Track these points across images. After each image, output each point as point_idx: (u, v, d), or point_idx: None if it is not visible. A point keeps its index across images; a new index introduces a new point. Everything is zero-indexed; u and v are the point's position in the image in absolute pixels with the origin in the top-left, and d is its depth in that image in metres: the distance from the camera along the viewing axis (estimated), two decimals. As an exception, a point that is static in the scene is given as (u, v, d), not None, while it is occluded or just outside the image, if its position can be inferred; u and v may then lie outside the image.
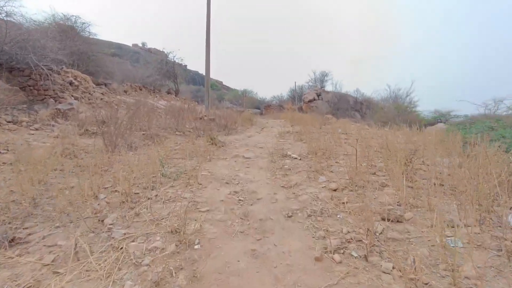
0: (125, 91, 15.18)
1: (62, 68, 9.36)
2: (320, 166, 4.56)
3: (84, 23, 12.51)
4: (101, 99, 10.26)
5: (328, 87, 38.72)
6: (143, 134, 7.82)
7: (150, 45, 47.47)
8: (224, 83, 71.53)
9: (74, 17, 12.72)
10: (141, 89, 16.41)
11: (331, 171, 4.37)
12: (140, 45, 48.56)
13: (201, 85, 60.13)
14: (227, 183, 3.96)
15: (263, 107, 40.64)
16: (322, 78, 39.58)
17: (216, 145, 6.35)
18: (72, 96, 9.17)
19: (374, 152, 5.27)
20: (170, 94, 18.22)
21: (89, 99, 9.67)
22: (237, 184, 3.93)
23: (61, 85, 8.94)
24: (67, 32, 11.76)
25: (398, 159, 3.78)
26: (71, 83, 9.36)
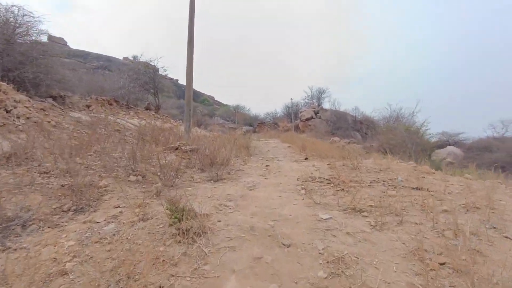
0: (88, 106, 11.58)
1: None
2: None
3: (25, 15, 9.01)
4: (28, 117, 6.67)
5: (326, 105, 35.85)
6: (60, 187, 4.27)
7: (143, 58, 43.81)
8: (216, 98, 68.47)
9: (16, 8, 9.25)
10: (111, 104, 12.86)
11: None
12: (131, 58, 45.16)
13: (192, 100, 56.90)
14: None
15: (256, 124, 37.53)
16: (319, 95, 36.76)
17: (183, 234, 2.78)
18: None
19: None
20: (149, 110, 14.73)
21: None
22: None
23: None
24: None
25: None
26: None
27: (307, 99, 37.52)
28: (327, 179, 5.09)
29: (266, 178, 5.53)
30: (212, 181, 5.44)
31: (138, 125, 10.73)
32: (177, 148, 7.11)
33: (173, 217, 2.98)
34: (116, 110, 12.91)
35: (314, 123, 31.57)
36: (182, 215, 3.03)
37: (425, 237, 2.66)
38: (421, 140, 22.18)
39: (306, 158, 8.15)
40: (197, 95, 62.65)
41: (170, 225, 2.87)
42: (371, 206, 3.59)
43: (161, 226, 3.01)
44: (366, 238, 2.68)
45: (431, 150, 22.07)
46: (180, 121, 16.53)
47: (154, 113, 14.39)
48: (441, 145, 25.89)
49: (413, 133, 21.32)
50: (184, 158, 6.87)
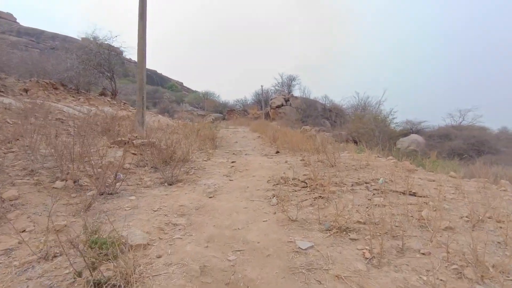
0: (26, 90, 9.86)
1: None
2: None
3: None
4: None
5: (296, 92, 35.30)
6: None
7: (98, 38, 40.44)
8: (184, 84, 65.70)
9: None
10: (56, 88, 11.12)
11: None
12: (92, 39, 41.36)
13: (159, 85, 53.85)
14: None
15: (225, 112, 36.21)
16: (289, 83, 36.05)
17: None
18: None
19: None
20: (105, 96, 13.07)
21: None
22: None
23: None
24: None
25: None
26: None
27: (278, 86, 36.75)
28: (302, 181, 4.30)
29: (231, 180, 4.63)
30: (165, 184, 4.44)
31: (87, 114, 9.29)
32: (126, 142, 5.96)
33: (87, 257, 2.00)
34: (63, 95, 11.19)
35: (285, 111, 30.97)
36: (101, 254, 2.06)
37: (440, 279, 1.93)
38: (388, 128, 22.43)
39: (277, 152, 7.34)
40: (165, 81, 59.69)
41: (77, 275, 1.89)
42: (359, 222, 2.83)
43: (67, 272, 2.02)
44: (363, 284, 1.89)
45: (396, 138, 22.41)
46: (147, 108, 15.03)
47: (110, 99, 12.79)
48: (405, 133, 26.40)
49: (380, 122, 21.41)
50: (135, 154, 5.77)
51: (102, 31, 22.70)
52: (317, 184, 4.08)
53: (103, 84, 13.64)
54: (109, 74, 13.05)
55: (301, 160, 5.98)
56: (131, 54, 15.79)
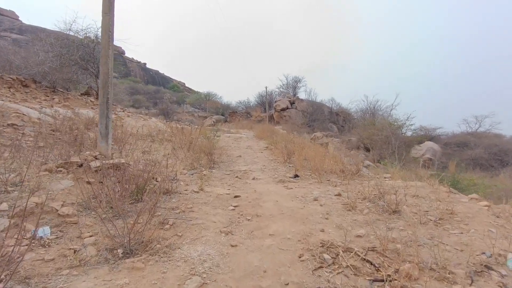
0: (-16, 88, 7.91)
1: None
2: None
3: None
4: None
5: (301, 95, 33.27)
6: None
7: (78, 28, 38.72)
8: (187, 85, 63.82)
9: None
10: (26, 86, 9.15)
11: None
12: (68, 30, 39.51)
13: (161, 86, 51.88)
14: None
15: (227, 114, 34.23)
16: (294, 85, 33.97)
17: None
18: None
19: None
20: (88, 96, 11.11)
21: None
22: None
23: None
24: None
25: None
26: None
27: (282, 88, 34.71)
28: (365, 259, 2.30)
29: (233, 245, 2.62)
30: (119, 255, 2.45)
31: (55, 117, 7.32)
32: (80, 165, 3.98)
33: None
34: (33, 94, 9.23)
35: (290, 114, 28.97)
36: None
37: None
38: (404, 136, 20.39)
39: (296, 175, 5.32)
40: (167, 81, 57.95)
41: None
42: None
43: None
44: None
45: (411, 146, 20.34)
46: (126, 109, 13.00)
47: (93, 100, 10.83)
48: (420, 140, 24.34)
49: (397, 129, 19.37)
50: (89, 184, 3.77)
51: (86, 19, 20.56)
52: (396, 272, 2.09)
53: (88, 82, 11.67)
54: (93, 71, 11.06)
55: (336, 195, 3.98)
56: (131, 49, 13.77)
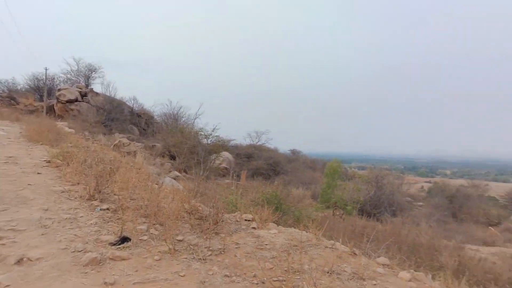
0: None
1: None
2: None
3: None
4: None
5: (97, 87, 27.43)
6: None
7: None
8: None
9: None
10: None
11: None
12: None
13: None
14: None
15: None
16: (88, 73, 27.61)
17: None
18: None
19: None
20: None
21: None
22: None
23: None
24: None
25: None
26: None
27: (71, 75, 27.38)
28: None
29: None
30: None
31: None
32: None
33: None
34: None
35: (80, 108, 23.06)
36: None
37: None
38: (208, 145, 20.87)
39: (124, 238, 3.02)
40: None
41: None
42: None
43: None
44: None
45: (216, 155, 21.20)
46: None
47: None
48: (218, 150, 26.07)
49: (204, 138, 19.56)
50: None
51: None
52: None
53: None
54: None
55: None
56: None
